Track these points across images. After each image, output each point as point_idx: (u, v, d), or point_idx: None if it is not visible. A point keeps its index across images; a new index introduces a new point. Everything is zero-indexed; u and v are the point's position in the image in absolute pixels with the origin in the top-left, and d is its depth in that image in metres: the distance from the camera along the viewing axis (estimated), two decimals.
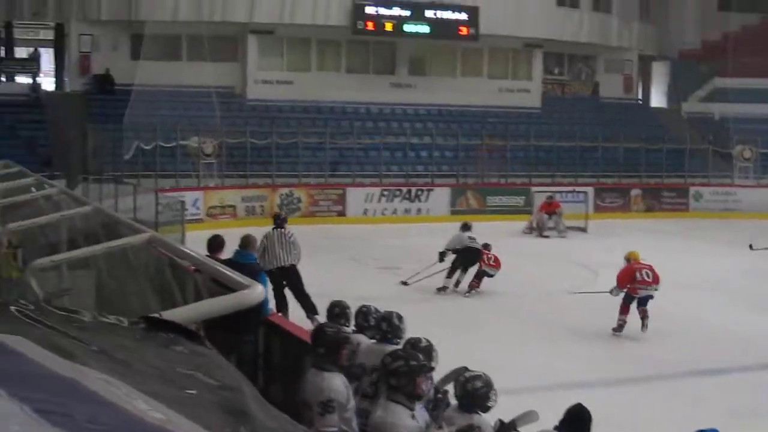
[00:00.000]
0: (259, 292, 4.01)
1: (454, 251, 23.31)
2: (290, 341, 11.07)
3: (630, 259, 20.26)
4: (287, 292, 18.22)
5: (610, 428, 10.87)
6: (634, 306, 18.91)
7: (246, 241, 13.04)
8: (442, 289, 23.19)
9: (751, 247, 28.13)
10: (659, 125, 49.28)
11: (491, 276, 23.16)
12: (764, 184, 44.00)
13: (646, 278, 19.39)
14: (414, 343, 8.56)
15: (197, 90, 40.26)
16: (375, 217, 37.21)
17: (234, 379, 2.92)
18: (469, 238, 23.62)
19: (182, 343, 3.31)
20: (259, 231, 28.80)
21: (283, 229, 19.42)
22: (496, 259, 23.35)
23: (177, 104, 40.18)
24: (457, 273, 23.14)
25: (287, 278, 18.47)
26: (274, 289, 17.97)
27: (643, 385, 15.56)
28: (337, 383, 7.96)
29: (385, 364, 7.48)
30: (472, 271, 23.15)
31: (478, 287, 23.10)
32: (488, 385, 7.88)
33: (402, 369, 7.33)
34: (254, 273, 10.58)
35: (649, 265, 19.71)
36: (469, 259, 23.23)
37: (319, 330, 8.51)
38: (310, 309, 17.89)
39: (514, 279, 24.91)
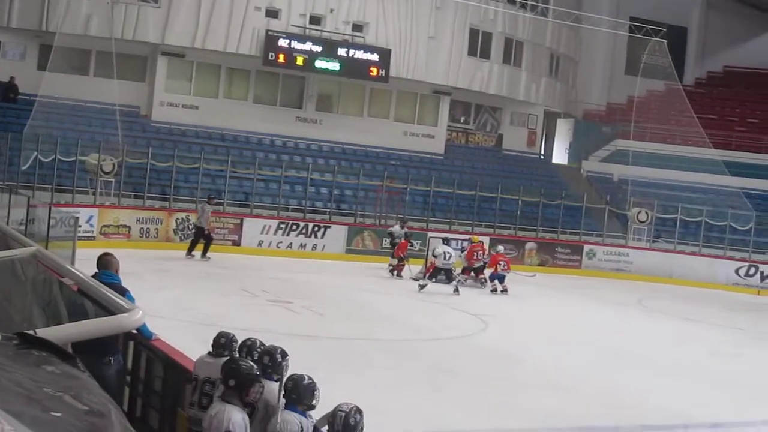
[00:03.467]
0: (139, 316, 3.90)
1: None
2: (172, 368, 10.93)
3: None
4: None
5: None
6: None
7: (107, 262, 12.34)
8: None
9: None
10: (558, 181, 49.96)
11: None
12: (657, 248, 44.64)
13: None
14: (297, 380, 8.49)
15: (102, 107, 39.79)
16: (270, 249, 36.99)
17: (103, 405, 2.84)
18: None
19: (54, 363, 3.22)
20: (153, 254, 28.64)
21: (209, 205, 34.16)
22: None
23: (80, 119, 39.73)
24: None
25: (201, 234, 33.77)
26: (194, 236, 34.14)
27: None
28: (237, 417, 8.06)
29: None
30: None
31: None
32: (362, 415, 7.89)
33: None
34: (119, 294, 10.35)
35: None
36: None
37: (232, 364, 8.49)
38: (204, 250, 33.59)
39: (404, 323, 25.07)
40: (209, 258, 33.48)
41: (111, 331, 3.86)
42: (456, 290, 31.74)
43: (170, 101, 43.26)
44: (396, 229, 36.68)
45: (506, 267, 33.84)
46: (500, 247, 35.89)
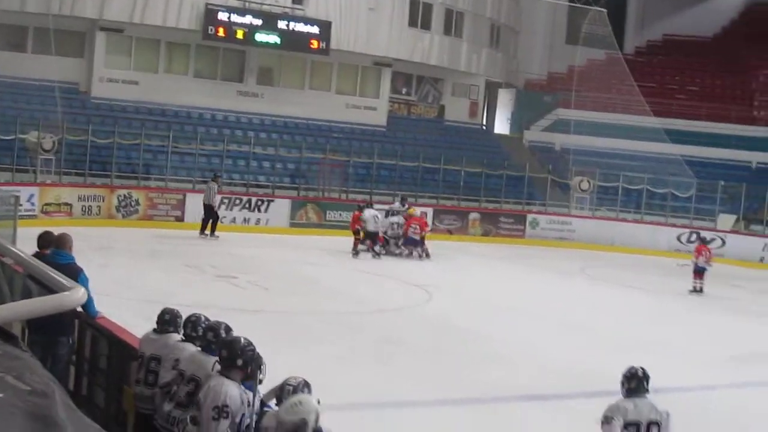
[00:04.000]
0: (81, 294, 3.87)
1: None
2: (117, 345, 10.88)
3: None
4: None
5: None
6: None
7: (62, 241, 12.22)
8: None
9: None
10: (501, 151, 50.14)
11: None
12: (599, 216, 44.98)
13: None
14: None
15: (40, 84, 39.36)
16: None
17: (46, 385, 2.82)
18: None
19: None
20: (96, 231, 28.46)
21: (215, 183, 34.89)
22: None
23: (19, 96, 39.24)
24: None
25: (210, 212, 34.20)
26: (204, 215, 34.30)
27: (467, 406, 15.69)
28: (234, 391, 8.02)
29: None
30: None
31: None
32: (310, 389, 7.93)
33: None
34: (74, 274, 10.28)
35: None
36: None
37: (238, 344, 8.40)
38: (212, 228, 34.01)
39: (349, 296, 25.10)
40: (218, 237, 33.78)
41: (53, 309, 3.83)
42: (377, 254, 32.93)
43: (110, 77, 42.80)
44: (396, 206, 36.58)
45: (418, 230, 34.01)
46: (416, 210, 36.37)
